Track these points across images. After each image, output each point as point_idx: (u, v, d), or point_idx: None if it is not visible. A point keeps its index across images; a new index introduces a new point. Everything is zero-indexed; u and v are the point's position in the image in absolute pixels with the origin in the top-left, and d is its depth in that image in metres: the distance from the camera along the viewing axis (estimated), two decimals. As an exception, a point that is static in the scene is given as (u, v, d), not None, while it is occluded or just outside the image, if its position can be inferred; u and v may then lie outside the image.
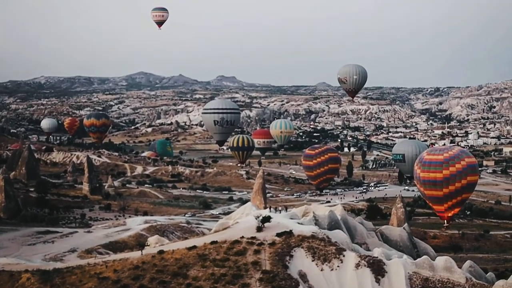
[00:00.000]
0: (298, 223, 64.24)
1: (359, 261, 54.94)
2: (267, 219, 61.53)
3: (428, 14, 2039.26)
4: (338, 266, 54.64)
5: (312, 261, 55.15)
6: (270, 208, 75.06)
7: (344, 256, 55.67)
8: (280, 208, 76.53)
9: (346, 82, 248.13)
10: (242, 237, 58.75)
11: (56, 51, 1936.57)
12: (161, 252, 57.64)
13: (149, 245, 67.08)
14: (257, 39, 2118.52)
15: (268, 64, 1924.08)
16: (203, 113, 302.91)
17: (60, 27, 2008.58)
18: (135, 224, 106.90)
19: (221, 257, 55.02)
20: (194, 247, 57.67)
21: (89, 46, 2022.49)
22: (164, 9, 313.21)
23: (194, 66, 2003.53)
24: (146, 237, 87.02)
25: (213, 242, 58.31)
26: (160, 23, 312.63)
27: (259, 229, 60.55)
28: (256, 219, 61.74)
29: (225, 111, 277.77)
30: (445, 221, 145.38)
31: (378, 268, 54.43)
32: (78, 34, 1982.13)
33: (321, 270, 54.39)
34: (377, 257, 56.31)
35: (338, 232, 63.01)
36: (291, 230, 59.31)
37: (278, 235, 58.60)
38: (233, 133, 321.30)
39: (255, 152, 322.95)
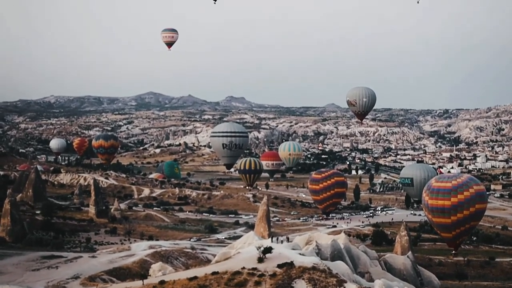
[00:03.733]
0: (300, 253, 64.26)
1: (359, 294, 54.96)
2: (268, 250, 61.58)
3: (436, 37, 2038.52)
4: (338, 299, 54.63)
5: (313, 293, 55.14)
6: (272, 238, 75.13)
7: (345, 288, 55.69)
8: (282, 239, 76.60)
9: (356, 104, 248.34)
10: (243, 268, 58.71)
11: (66, 71, 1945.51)
12: (162, 282, 57.78)
13: (150, 275, 67.22)
14: (266, 60, 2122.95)
15: (277, 85, 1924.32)
16: (211, 136, 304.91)
17: (70, 46, 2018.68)
18: (140, 249, 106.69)
19: (222, 289, 55.15)
20: (195, 277, 57.80)
21: (99, 65, 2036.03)
22: (174, 30, 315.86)
23: (204, 87, 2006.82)
24: (150, 263, 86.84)
25: (214, 273, 58.36)
26: (170, 44, 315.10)
27: (261, 260, 60.57)
28: (258, 249, 61.78)
29: (233, 134, 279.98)
30: (453, 248, 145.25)
31: (378, 301, 54.44)
32: (87, 53, 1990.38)
33: (322, 302, 54.39)
34: (378, 290, 56.31)
35: (340, 263, 63.01)
36: (292, 261, 59.31)
37: (279, 266, 58.58)
38: (241, 155, 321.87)
39: (263, 174, 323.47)
